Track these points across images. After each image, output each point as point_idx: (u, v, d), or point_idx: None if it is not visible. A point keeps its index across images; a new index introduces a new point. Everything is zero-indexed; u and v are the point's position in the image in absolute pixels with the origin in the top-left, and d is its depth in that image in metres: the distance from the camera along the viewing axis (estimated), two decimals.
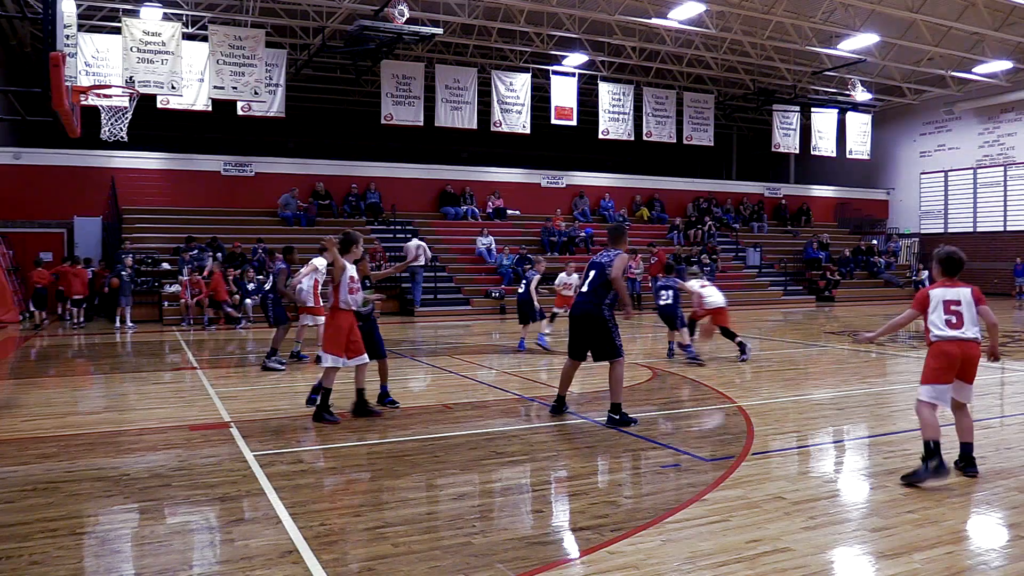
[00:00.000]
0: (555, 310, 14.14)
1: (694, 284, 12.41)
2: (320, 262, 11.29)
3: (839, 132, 30.53)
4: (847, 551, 4.42)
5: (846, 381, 10.22)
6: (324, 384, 7.64)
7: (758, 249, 29.20)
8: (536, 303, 13.55)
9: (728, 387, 9.56)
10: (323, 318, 11.70)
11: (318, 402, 7.72)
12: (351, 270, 7.66)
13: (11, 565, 4.16)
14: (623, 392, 7.56)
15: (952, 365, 5.55)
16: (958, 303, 5.60)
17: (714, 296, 12.20)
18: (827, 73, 27.55)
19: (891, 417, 7.93)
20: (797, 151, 30.89)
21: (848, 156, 31.01)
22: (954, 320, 5.57)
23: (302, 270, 11.19)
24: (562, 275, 14.57)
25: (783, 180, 35.62)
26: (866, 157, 31.49)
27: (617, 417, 7.39)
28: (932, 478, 5.42)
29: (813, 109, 30.12)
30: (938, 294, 5.67)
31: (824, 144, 30.47)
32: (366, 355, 7.75)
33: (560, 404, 7.85)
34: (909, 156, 33.05)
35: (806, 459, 6.50)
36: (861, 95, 28.03)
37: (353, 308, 7.67)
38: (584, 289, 7.60)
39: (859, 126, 31.11)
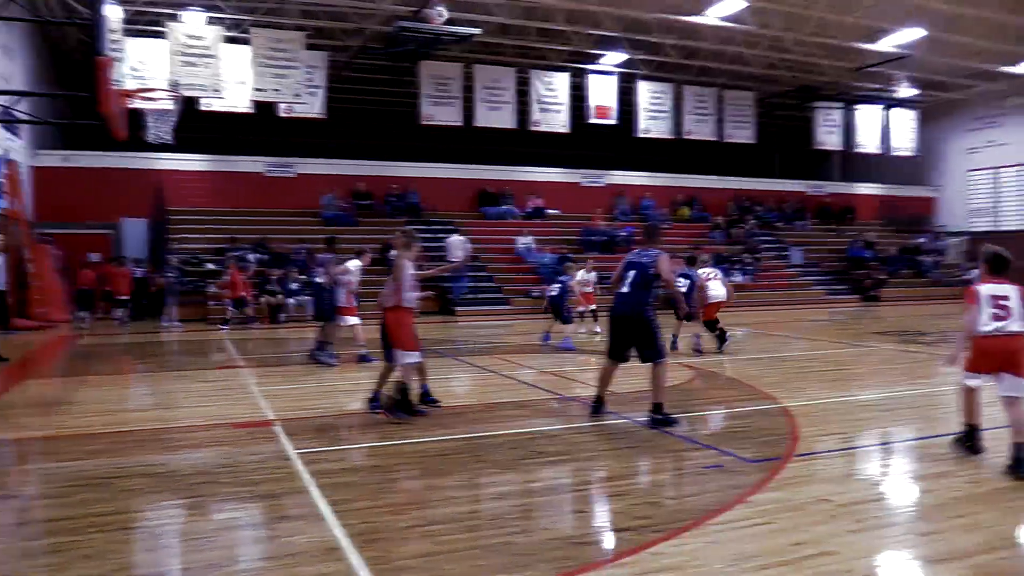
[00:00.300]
0: (579, 309, 14.97)
1: (702, 273, 12.96)
2: (353, 264, 11.45)
3: (884, 129, 29.97)
4: (894, 555, 4.35)
5: (894, 382, 10.03)
6: (404, 380, 7.66)
7: (801, 248, 28.82)
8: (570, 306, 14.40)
9: (772, 387, 9.43)
10: (353, 319, 11.83)
11: (397, 399, 7.64)
12: (411, 268, 7.74)
13: (63, 558, 4.26)
14: (666, 392, 7.51)
15: (990, 359, 5.86)
16: (1006, 298, 5.87)
17: (717, 290, 12.86)
18: (870, 69, 27.05)
19: (941, 419, 7.77)
20: (840, 148, 30.39)
21: (893, 153, 30.43)
22: (1001, 313, 5.84)
23: (336, 269, 11.39)
24: (581, 272, 14.95)
25: (826, 178, 35.08)
26: (912, 154, 30.87)
27: (660, 417, 7.32)
28: (965, 454, 6.10)
29: (856, 105, 29.60)
30: (986, 290, 5.96)
31: (868, 141, 29.93)
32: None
33: (599, 405, 7.77)
34: (957, 152, 32.29)
35: (852, 461, 6.40)
36: (906, 91, 27.50)
37: (412, 306, 7.76)
38: (624, 290, 7.44)
39: (904, 122, 30.51)
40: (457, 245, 22.66)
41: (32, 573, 4.11)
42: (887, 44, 24.29)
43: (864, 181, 34.30)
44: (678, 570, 4.04)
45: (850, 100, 29.36)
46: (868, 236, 29.95)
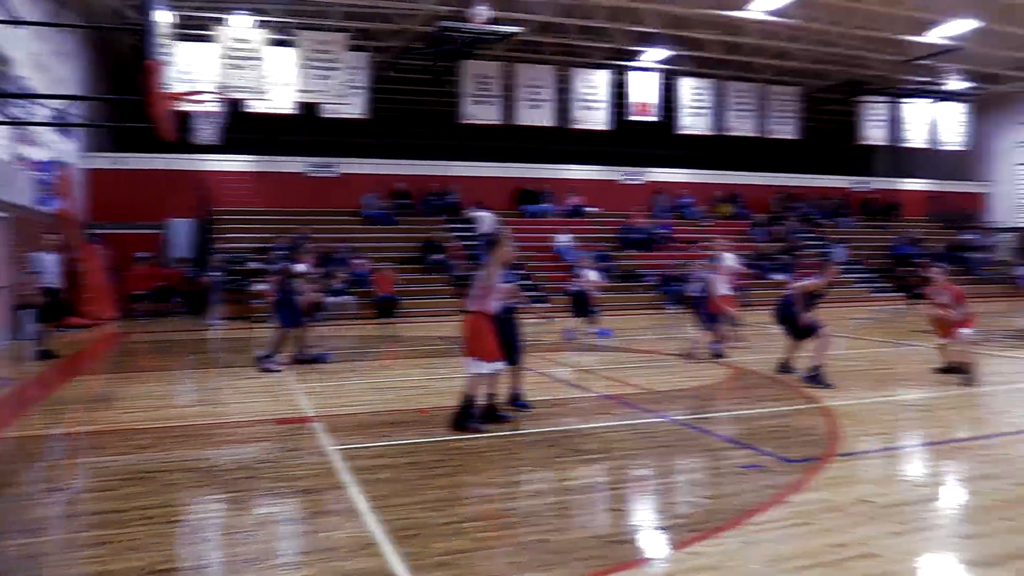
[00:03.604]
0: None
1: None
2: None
3: (932, 123, 29.30)
4: (937, 558, 4.27)
5: (938, 382, 9.80)
6: (470, 392, 7.07)
7: (844, 245, 28.33)
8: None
9: (812, 386, 9.31)
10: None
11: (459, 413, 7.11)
12: (500, 272, 7.29)
13: (110, 550, 4.38)
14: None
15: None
16: None
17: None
18: (919, 62, 26.47)
19: (986, 420, 7.60)
20: (886, 143, 29.80)
21: (942, 147, 29.73)
22: None
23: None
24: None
25: (871, 173, 34.43)
26: (961, 148, 30.13)
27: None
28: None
29: (904, 99, 29.00)
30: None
31: (915, 135, 29.29)
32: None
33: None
34: (1008, 146, 31.43)
35: (895, 462, 6.29)
36: (956, 83, 26.84)
37: (495, 312, 7.22)
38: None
39: (954, 116, 29.79)
40: (487, 220, 22.62)
41: (80, 564, 4.23)
42: (937, 36, 23.75)
43: (911, 176, 33.60)
44: (714, 570, 4.01)
45: (897, 94, 28.76)
46: (914, 233, 29.32)
